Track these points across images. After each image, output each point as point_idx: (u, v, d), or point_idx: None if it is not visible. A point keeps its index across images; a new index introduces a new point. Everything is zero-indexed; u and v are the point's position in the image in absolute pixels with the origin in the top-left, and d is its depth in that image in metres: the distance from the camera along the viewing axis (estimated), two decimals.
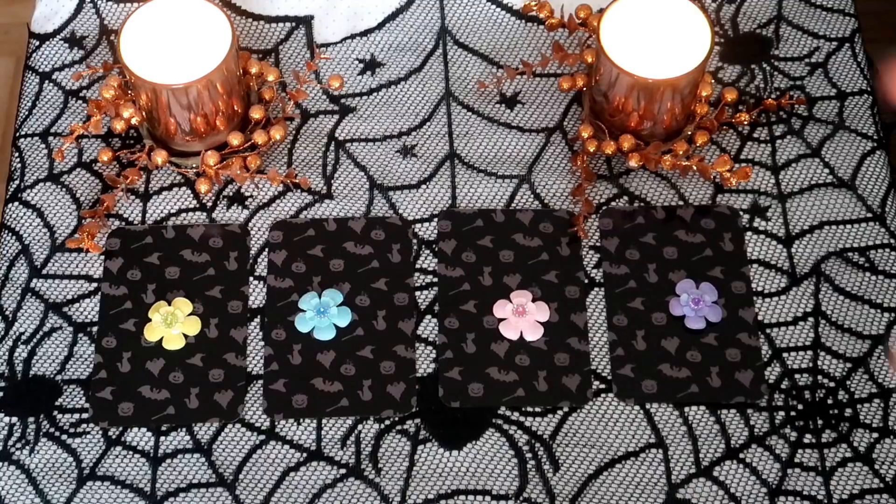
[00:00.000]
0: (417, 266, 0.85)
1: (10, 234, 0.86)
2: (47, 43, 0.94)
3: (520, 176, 0.88)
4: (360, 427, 0.79)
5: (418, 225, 0.86)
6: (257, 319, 0.83)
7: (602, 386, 0.80)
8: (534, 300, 0.83)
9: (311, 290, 0.83)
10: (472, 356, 0.81)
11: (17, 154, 0.90)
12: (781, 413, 0.79)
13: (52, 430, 0.79)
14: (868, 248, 0.85)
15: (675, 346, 0.81)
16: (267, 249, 0.85)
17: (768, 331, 0.82)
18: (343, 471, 0.78)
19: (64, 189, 0.88)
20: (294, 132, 0.90)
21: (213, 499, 0.77)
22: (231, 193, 0.88)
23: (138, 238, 0.86)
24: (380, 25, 0.95)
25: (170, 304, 0.83)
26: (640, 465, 0.78)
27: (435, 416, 0.79)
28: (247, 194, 0.88)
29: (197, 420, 0.79)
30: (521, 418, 0.79)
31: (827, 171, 0.88)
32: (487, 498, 0.77)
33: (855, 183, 0.88)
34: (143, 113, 0.86)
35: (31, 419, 0.79)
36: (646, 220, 0.86)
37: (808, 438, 0.78)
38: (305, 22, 0.95)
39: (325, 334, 0.82)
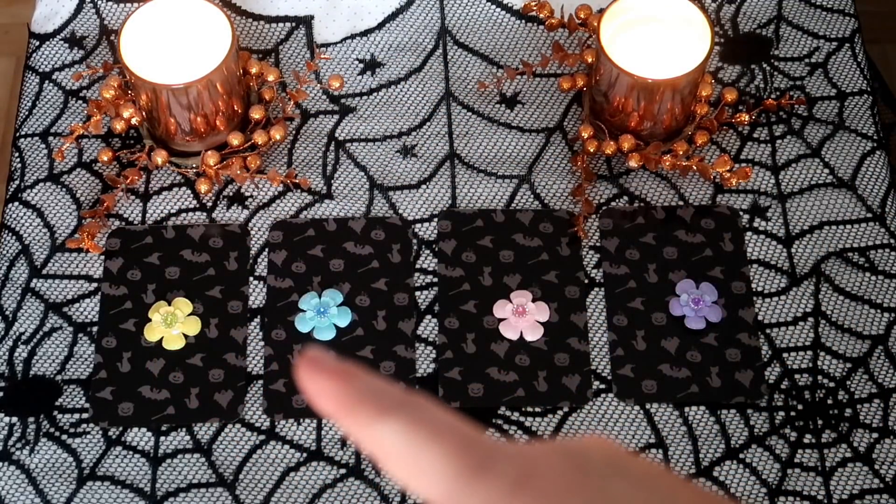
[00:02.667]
0: (417, 266, 0.85)
1: (10, 234, 0.86)
2: (47, 43, 0.94)
3: (520, 176, 0.88)
4: None
5: (418, 225, 0.86)
6: (257, 319, 0.83)
7: (602, 386, 0.80)
8: (534, 300, 0.83)
9: (311, 290, 0.83)
10: (472, 356, 0.81)
11: (17, 154, 0.90)
12: (781, 413, 0.79)
13: (52, 430, 0.79)
14: (868, 248, 0.85)
15: (675, 346, 0.81)
16: (267, 249, 0.85)
17: (768, 331, 0.82)
18: (343, 471, 0.78)
19: (64, 189, 0.88)
20: (294, 132, 0.90)
21: (213, 499, 0.77)
22: (231, 193, 0.88)
23: (138, 238, 0.86)
24: (380, 25, 0.95)
25: (170, 304, 0.83)
26: None
27: None
28: (247, 194, 0.88)
29: (197, 420, 0.79)
30: (521, 418, 0.79)
31: (827, 171, 0.88)
32: None
33: (855, 183, 0.88)
34: (143, 113, 0.86)
35: (31, 419, 0.79)
36: (646, 220, 0.86)
37: (808, 438, 0.78)
38: (305, 22, 0.95)
39: (325, 334, 0.82)
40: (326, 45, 0.94)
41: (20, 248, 0.86)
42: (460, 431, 0.29)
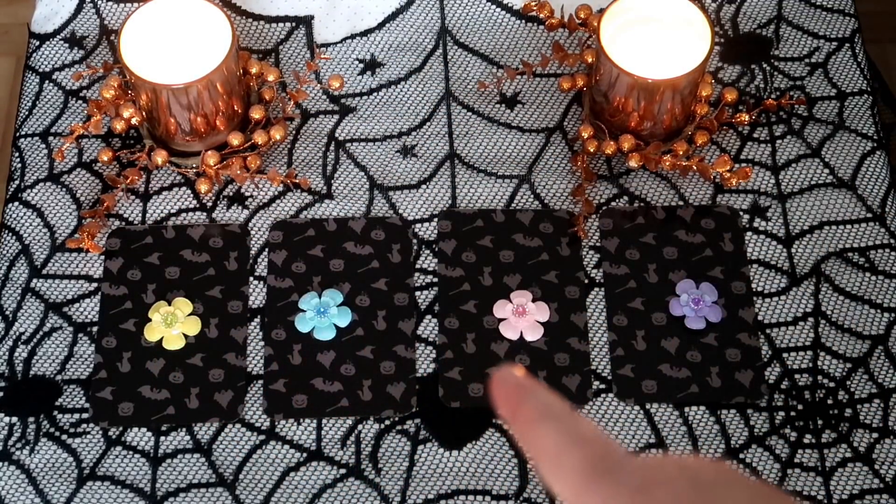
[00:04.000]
0: (417, 266, 0.85)
1: (10, 234, 0.86)
2: (47, 43, 0.94)
3: (520, 176, 0.88)
4: (360, 427, 0.79)
5: (418, 225, 0.86)
6: (257, 319, 0.83)
7: (602, 386, 0.80)
8: (534, 300, 0.83)
9: (311, 290, 0.83)
10: (472, 356, 0.81)
11: (17, 154, 0.90)
12: (781, 413, 0.79)
13: (52, 430, 0.79)
14: (868, 248, 0.85)
15: (675, 346, 0.81)
16: (267, 249, 0.85)
17: (768, 331, 0.82)
18: (343, 471, 0.78)
19: (64, 189, 0.88)
20: (294, 132, 0.90)
21: (213, 499, 0.77)
22: (231, 193, 0.88)
23: (138, 238, 0.86)
24: (380, 25, 0.95)
25: (170, 304, 0.83)
26: None
27: (435, 416, 0.79)
28: (247, 194, 0.88)
29: (197, 420, 0.79)
30: None
31: (827, 171, 0.88)
32: (487, 498, 0.77)
33: (855, 183, 0.88)
34: (143, 113, 0.86)
35: (31, 419, 0.79)
36: (646, 220, 0.86)
37: (808, 438, 0.78)
38: (305, 22, 0.95)
39: (325, 334, 0.82)
40: (326, 45, 0.94)
41: (20, 248, 0.86)
42: (601, 443, 0.34)
